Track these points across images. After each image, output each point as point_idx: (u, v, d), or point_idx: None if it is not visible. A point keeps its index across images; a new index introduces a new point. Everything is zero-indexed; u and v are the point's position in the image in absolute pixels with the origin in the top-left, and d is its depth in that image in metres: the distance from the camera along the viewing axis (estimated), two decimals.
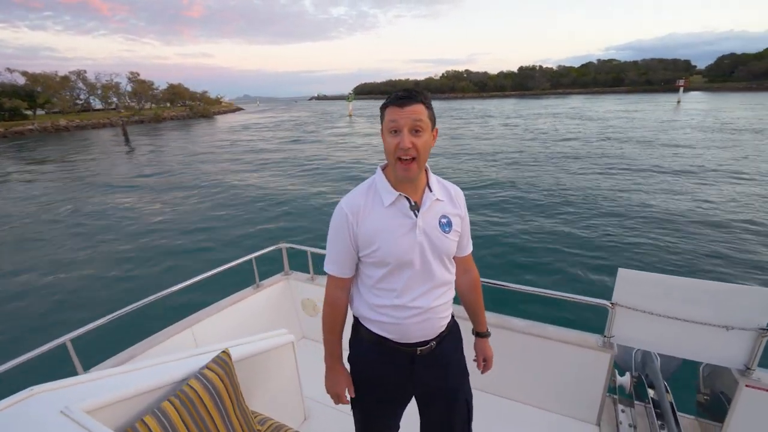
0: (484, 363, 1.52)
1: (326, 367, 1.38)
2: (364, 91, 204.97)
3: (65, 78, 60.50)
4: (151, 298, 2.10)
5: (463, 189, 1.40)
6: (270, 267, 3.00)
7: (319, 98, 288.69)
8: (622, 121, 30.18)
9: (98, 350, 2.03)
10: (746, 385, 1.70)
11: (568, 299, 2.07)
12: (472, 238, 1.47)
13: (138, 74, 71.25)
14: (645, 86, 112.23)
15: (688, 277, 1.77)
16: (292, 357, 1.88)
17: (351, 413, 1.47)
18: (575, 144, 19.21)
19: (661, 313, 1.78)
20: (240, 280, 2.80)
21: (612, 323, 1.93)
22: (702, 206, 8.97)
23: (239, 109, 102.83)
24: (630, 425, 2.04)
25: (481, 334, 1.52)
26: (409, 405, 1.44)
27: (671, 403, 1.91)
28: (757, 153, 15.16)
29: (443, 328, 1.32)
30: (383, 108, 1.17)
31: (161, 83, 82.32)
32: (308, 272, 2.84)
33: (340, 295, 1.33)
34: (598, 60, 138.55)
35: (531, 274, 5.98)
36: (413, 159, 1.14)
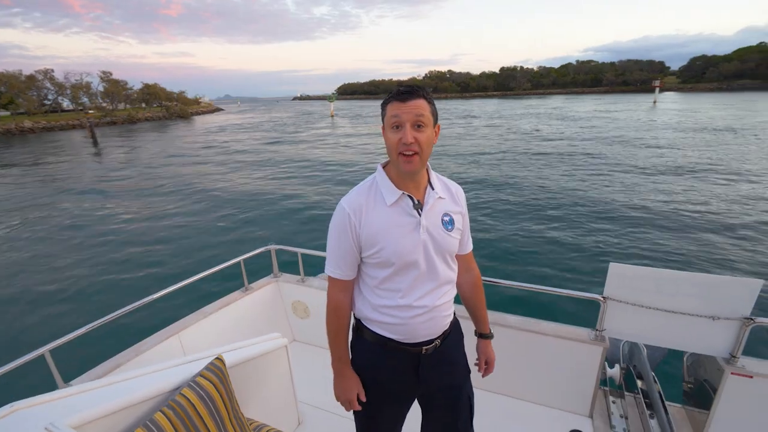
0: (486, 366, 1.48)
1: (335, 373, 1.32)
2: (348, 92, 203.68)
3: (31, 77, 57.64)
4: (135, 304, 1.99)
5: None
6: (258, 270, 2.90)
7: (301, 98, 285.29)
8: (604, 121, 30.57)
9: (79, 361, 1.93)
10: (732, 373, 1.75)
11: (561, 294, 2.12)
12: None
13: (110, 73, 68.51)
14: (622, 87, 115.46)
15: (676, 269, 1.79)
16: (285, 361, 1.81)
17: (345, 416, 1.47)
18: (560, 144, 19.41)
19: (651, 305, 1.81)
20: (228, 284, 2.71)
21: (603, 317, 1.96)
22: (685, 203, 9.21)
23: (219, 110, 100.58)
24: (621, 416, 2.08)
25: (483, 336, 1.48)
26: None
27: (660, 393, 1.96)
28: (735, 152, 15.48)
29: (447, 327, 1.31)
30: (384, 105, 1.15)
31: (137, 83, 79.16)
32: (298, 274, 2.79)
33: (343, 297, 1.29)
34: (577, 61, 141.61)
35: (519, 272, 6.00)
36: (415, 154, 1.11)
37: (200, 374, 1.39)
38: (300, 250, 2.64)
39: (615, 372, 2.23)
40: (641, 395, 2.07)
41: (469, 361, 1.43)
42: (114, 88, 67.32)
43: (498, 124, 30.38)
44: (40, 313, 5.57)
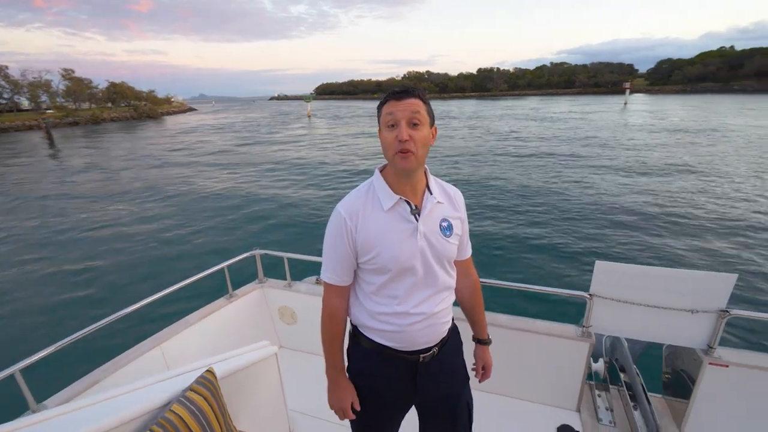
0: (483, 371, 1.47)
1: (329, 381, 1.30)
2: (326, 91, 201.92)
3: None
4: (112, 317, 1.89)
5: None
6: (243, 276, 2.82)
7: (279, 98, 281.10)
8: (581, 122, 30.99)
9: (54, 380, 1.81)
10: (710, 363, 1.82)
11: (549, 293, 2.20)
12: None
13: (73, 71, 64.75)
14: (594, 88, 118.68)
15: (658, 266, 1.87)
16: (275, 370, 1.77)
17: (336, 423, 1.42)
18: (539, 145, 19.45)
19: (635, 301, 1.88)
20: (211, 292, 2.64)
21: (590, 313, 2.00)
22: (664, 202, 9.53)
23: (192, 110, 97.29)
24: (606, 408, 2.14)
25: (482, 341, 1.47)
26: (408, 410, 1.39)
27: (642, 385, 2.05)
28: (708, 153, 15.80)
29: (445, 333, 1.29)
30: (380, 106, 1.15)
31: (105, 81, 75.30)
32: (284, 279, 2.74)
33: (339, 304, 1.27)
34: (551, 63, 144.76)
35: (506, 272, 6.05)
36: (411, 152, 1.10)
37: (190, 388, 1.32)
38: (286, 255, 2.57)
39: (599, 366, 2.29)
40: (625, 387, 2.15)
41: (467, 366, 1.40)
42: (77, 86, 63.74)
43: (477, 125, 30.29)
44: (7, 330, 5.19)
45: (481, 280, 1.89)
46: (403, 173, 1.14)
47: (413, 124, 1.10)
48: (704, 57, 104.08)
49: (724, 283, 1.72)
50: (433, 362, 1.26)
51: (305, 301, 2.66)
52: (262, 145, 23.68)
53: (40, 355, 1.65)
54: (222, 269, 2.46)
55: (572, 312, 4.36)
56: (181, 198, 11.71)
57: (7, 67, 56.95)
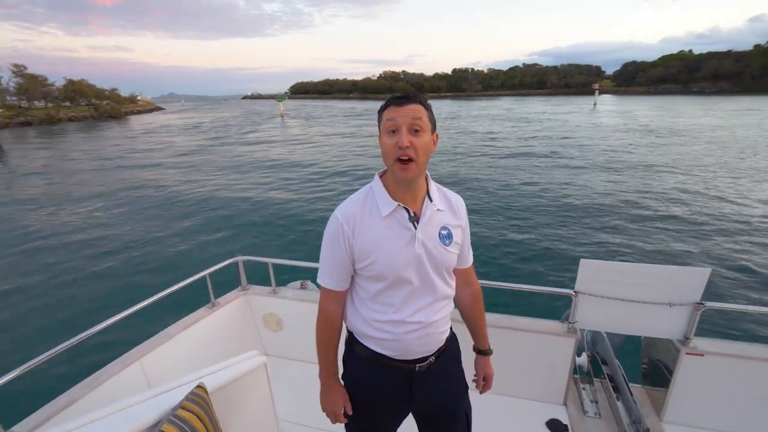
0: (484, 382, 1.45)
1: (322, 384, 1.29)
2: (301, 91, 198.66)
3: None
4: (86, 333, 1.77)
5: None
6: (224, 284, 2.66)
7: (252, 97, 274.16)
8: (555, 123, 31.41)
9: (22, 403, 1.72)
10: (686, 353, 1.92)
11: (536, 291, 2.27)
12: None
13: (24, 67, 60.41)
14: (565, 89, 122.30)
15: (638, 262, 2.01)
16: (265, 380, 1.73)
17: (325, 430, 1.38)
18: (516, 144, 19.43)
19: (617, 296, 1.95)
20: (192, 301, 2.50)
21: (575, 310, 2.05)
22: (640, 199, 9.90)
23: (159, 109, 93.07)
24: (591, 401, 2.20)
25: (482, 352, 1.45)
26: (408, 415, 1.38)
27: (623, 376, 2.11)
28: (677, 152, 16.20)
29: (442, 343, 1.27)
30: (381, 111, 1.13)
31: (61, 79, 70.66)
32: (268, 285, 2.67)
33: (335, 308, 1.26)
34: (524, 64, 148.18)
35: (492, 271, 6.02)
36: (411, 160, 1.07)
37: (180, 406, 1.24)
38: (271, 260, 2.53)
39: (583, 360, 2.35)
40: (607, 379, 2.22)
41: (467, 374, 1.38)
42: (30, 83, 59.47)
43: (453, 126, 29.97)
44: None
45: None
46: (403, 182, 1.11)
47: (414, 131, 1.07)
48: (666, 60, 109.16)
49: (699, 277, 1.81)
50: (430, 372, 1.24)
51: (291, 308, 2.60)
52: (229, 146, 22.71)
53: (9, 377, 1.52)
54: (203, 278, 2.36)
55: (539, 304, 4.59)
56: (146, 202, 11.11)
57: None
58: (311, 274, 2.97)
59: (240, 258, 2.58)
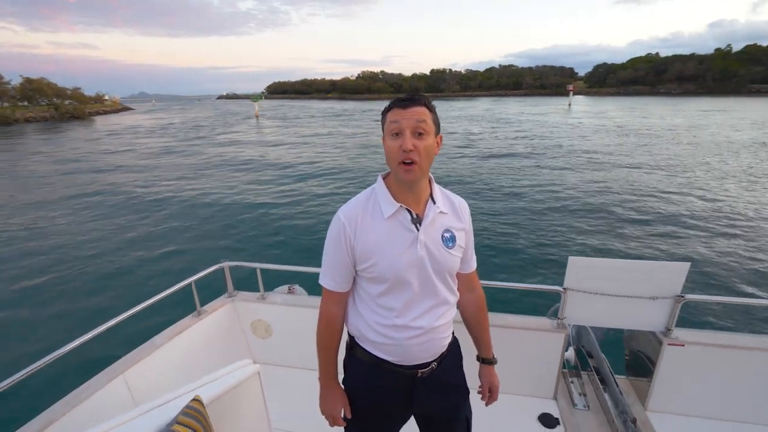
0: (490, 393, 1.42)
1: (321, 386, 1.29)
2: (279, 90, 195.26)
3: None
4: (64, 349, 1.69)
5: None
6: (209, 291, 2.65)
7: (228, 97, 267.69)
8: (533, 124, 31.60)
9: None
10: (668, 344, 2.01)
11: (526, 289, 2.37)
12: None
13: None
14: (540, 90, 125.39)
15: (622, 258, 2.09)
16: (258, 389, 1.69)
17: None
18: (497, 144, 19.37)
19: (603, 292, 2.01)
20: (177, 310, 2.42)
21: (564, 306, 2.10)
22: (623, 197, 10.14)
23: (127, 109, 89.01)
24: (580, 394, 2.25)
25: (486, 361, 1.41)
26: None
27: (609, 368, 2.18)
28: (654, 152, 16.47)
29: (445, 348, 1.25)
30: (384, 113, 1.13)
31: (15, 77, 66.13)
32: (256, 291, 2.63)
33: (336, 310, 1.25)
34: (500, 65, 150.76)
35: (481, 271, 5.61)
36: (415, 163, 1.07)
37: (176, 421, 1.17)
38: (259, 265, 2.46)
39: (570, 354, 2.36)
40: (594, 372, 2.28)
41: (467, 376, 1.38)
42: None
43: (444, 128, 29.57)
44: None
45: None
46: (406, 184, 1.11)
47: (418, 134, 1.06)
48: (634, 62, 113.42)
49: (679, 271, 1.89)
50: (431, 377, 1.22)
51: (281, 313, 2.56)
52: (198, 148, 21.63)
53: None
54: (188, 285, 2.28)
55: (519, 300, 4.72)
56: (106, 208, 10.52)
57: None
58: (299, 279, 2.88)
59: (226, 264, 2.51)
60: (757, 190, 10.68)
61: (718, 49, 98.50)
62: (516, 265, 6.38)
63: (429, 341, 1.17)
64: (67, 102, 64.17)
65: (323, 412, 1.28)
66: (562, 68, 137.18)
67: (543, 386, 2.26)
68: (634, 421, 1.90)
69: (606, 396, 2.12)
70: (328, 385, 1.26)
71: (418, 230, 1.12)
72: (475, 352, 1.44)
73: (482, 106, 63.02)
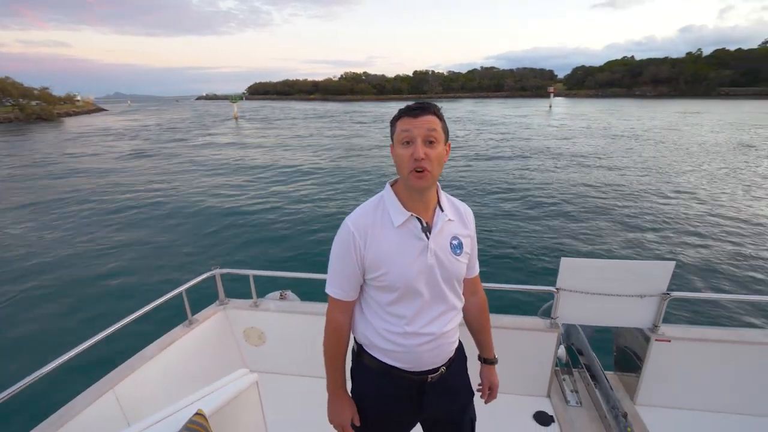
0: (489, 392, 1.45)
1: (329, 395, 1.29)
2: (260, 91, 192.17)
3: None
4: (52, 365, 1.64)
5: None
6: (200, 299, 2.56)
7: (207, 98, 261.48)
8: (516, 126, 31.63)
9: None
10: (656, 339, 2.08)
11: (520, 290, 2.36)
12: None
13: None
14: (521, 91, 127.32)
15: (610, 258, 2.57)
16: (256, 398, 1.69)
17: None
18: (481, 145, 19.10)
19: (594, 291, 2.06)
20: (168, 320, 2.38)
21: (557, 306, 2.15)
22: (610, 198, 10.31)
23: (100, 110, 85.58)
24: (572, 391, 2.31)
25: (488, 361, 1.46)
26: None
27: (599, 365, 2.25)
28: (638, 153, 16.52)
29: (453, 353, 1.28)
30: (394, 121, 1.13)
31: None
32: (248, 298, 2.60)
33: (343, 319, 1.24)
34: (481, 67, 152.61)
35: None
36: (426, 170, 1.08)
37: None
38: (251, 272, 2.44)
39: (561, 352, 2.43)
40: (585, 369, 2.34)
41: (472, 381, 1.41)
42: None
43: None
44: None
45: None
46: (417, 191, 1.12)
47: (429, 142, 1.06)
48: (611, 65, 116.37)
49: (665, 269, 1.95)
50: (440, 382, 1.23)
51: (275, 320, 2.53)
52: (173, 150, 20.63)
53: None
54: (179, 294, 2.23)
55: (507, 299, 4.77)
56: (76, 215, 9.88)
57: None
58: (291, 285, 2.85)
59: (217, 271, 2.47)
60: (740, 191, 10.81)
61: (689, 53, 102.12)
62: (507, 266, 6.50)
63: (439, 347, 1.18)
64: (33, 103, 60.96)
65: (332, 422, 1.26)
66: (542, 70, 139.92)
67: (537, 385, 2.30)
68: (625, 415, 1.94)
69: (597, 392, 2.18)
70: (337, 393, 1.25)
71: (428, 239, 1.12)
72: (475, 353, 1.46)
73: (465, 107, 63.14)
